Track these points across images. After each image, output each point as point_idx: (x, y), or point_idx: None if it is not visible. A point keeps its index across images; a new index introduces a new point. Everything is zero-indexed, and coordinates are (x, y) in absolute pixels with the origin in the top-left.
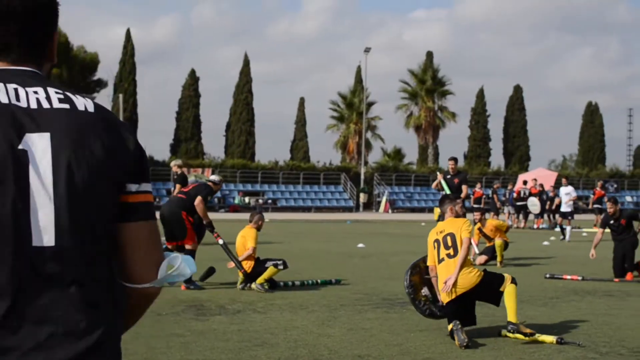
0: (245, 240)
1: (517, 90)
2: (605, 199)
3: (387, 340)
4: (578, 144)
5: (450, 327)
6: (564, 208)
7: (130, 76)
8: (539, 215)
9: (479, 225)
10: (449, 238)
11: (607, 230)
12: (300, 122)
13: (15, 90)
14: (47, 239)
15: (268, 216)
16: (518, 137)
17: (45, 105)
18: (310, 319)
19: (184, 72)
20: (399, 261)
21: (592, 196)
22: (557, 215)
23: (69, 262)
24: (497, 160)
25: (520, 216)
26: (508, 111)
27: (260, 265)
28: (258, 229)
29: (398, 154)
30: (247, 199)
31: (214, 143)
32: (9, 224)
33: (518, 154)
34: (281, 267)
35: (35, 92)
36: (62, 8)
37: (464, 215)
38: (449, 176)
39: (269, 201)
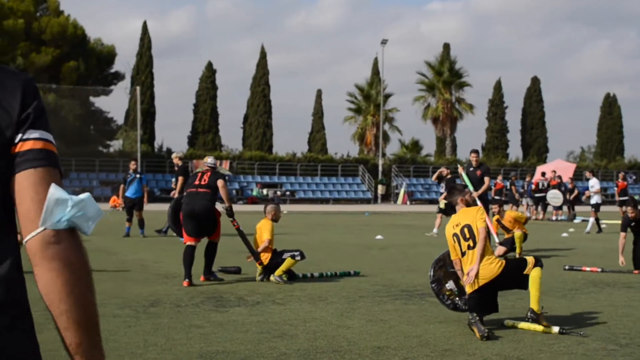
0: (261, 233)
1: (535, 81)
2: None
3: (406, 332)
4: (596, 136)
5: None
6: (591, 200)
7: (147, 69)
8: (558, 207)
9: (497, 217)
10: (466, 230)
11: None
12: (318, 114)
13: None
14: None
15: (286, 208)
16: (536, 129)
17: None
18: (329, 310)
19: (201, 64)
20: (418, 253)
21: (615, 188)
22: (575, 207)
23: None
24: (515, 151)
25: (539, 208)
26: (526, 103)
27: (277, 257)
28: (274, 220)
29: (416, 146)
30: (265, 191)
31: (231, 135)
32: None
33: (536, 146)
34: (298, 257)
35: None
36: (79, 1)
37: (485, 204)
38: (471, 168)
39: (287, 193)
